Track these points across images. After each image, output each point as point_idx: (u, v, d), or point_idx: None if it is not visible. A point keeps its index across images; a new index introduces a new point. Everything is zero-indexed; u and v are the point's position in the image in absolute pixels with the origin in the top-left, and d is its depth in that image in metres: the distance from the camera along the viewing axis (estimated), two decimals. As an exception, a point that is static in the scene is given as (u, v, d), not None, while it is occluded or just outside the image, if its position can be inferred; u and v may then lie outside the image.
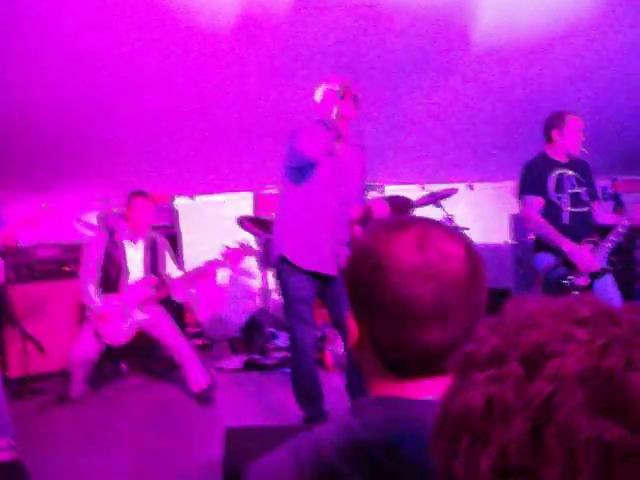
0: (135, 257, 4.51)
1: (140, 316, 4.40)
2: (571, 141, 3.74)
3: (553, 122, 3.80)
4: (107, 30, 4.17)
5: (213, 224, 6.19)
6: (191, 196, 6.54)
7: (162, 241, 4.71)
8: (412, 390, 0.83)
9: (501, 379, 0.45)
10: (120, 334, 4.31)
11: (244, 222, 5.49)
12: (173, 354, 4.43)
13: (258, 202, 6.51)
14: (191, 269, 4.56)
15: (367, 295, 0.83)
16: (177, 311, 5.71)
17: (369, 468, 0.75)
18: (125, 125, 5.10)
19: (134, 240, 4.52)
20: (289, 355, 5.23)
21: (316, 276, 3.31)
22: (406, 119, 5.86)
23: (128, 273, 4.44)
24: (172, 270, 4.62)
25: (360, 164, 3.45)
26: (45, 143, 4.88)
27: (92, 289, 4.34)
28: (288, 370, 4.98)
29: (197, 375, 4.38)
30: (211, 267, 4.42)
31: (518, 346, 0.46)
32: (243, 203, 6.49)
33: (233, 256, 4.43)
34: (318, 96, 3.32)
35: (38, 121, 4.73)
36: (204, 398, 4.35)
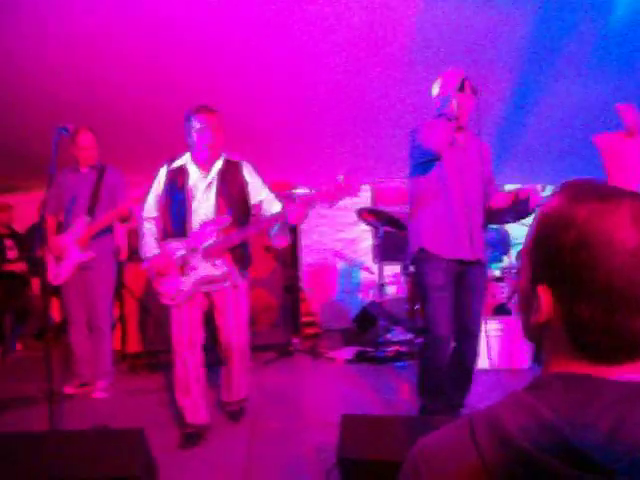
0: (202, 188, 3.36)
1: (205, 271, 3.27)
2: None
3: None
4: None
5: (330, 214, 6.25)
6: (310, 187, 6.66)
7: (244, 166, 3.49)
8: (606, 372, 0.76)
9: None
10: (178, 293, 3.30)
11: (363, 213, 5.50)
12: (223, 348, 3.46)
13: (376, 194, 6.52)
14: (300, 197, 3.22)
15: (571, 275, 0.74)
16: (292, 300, 5.85)
17: (559, 450, 0.68)
18: (245, 116, 5.26)
19: (203, 168, 3.37)
20: (402, 349, 5.24)
21: (454, 265, 3.30)
22: (529, 118, 5.66)
23: (192, 212, 3.33)
24: (268, 204, 3.46)
25: (481, 153, 3.43)
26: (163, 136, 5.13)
27: (148, 235, 3.42)
28: (400, 364, 4.97)
29: (239, 382, 3.55)
30: (315, 197, 3.13)
31: None
32: (361, 195, 6.52)
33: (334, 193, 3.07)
34: (436, 90, 3.33)
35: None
36: (236, 411, 3.66)
